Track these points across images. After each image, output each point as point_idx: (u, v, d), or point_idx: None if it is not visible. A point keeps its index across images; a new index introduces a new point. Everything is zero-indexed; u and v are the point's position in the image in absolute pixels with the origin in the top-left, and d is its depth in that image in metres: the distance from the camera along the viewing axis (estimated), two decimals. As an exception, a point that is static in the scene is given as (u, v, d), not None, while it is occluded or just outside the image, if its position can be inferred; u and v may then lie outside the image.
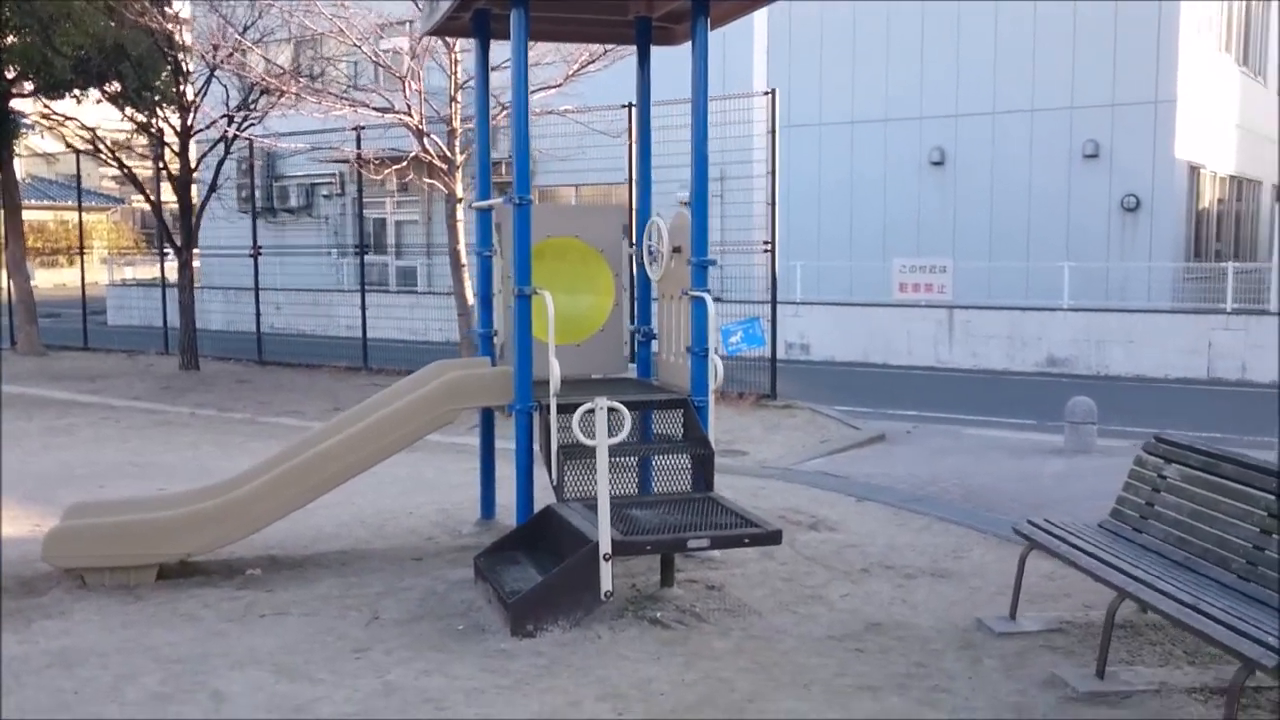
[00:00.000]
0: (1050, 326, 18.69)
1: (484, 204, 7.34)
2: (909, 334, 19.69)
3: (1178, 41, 20.16)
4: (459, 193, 13.41)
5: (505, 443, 7.81)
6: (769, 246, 13.28)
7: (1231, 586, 4.72)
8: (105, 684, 4.88)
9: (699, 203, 6.68)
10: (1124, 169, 20.65)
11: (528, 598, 5.31)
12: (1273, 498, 4.77)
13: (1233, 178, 24.40)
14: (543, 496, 6.57)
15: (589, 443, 5.37)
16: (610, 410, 5.41)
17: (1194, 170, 21.55)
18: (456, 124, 13.33)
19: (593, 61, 13.36)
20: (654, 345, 7.64)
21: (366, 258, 31.68)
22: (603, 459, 5.37)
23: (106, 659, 5.17)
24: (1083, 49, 20.76)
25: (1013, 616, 5.62)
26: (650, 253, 7.38)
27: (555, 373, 6.13)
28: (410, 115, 13.07)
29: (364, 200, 30.26)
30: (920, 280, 19.56)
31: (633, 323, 7.71)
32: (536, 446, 6.60)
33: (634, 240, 7.68)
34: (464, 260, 13.56)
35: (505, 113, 13.15)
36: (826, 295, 21.70)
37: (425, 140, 13.27)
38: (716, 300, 6.61)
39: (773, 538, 5.68)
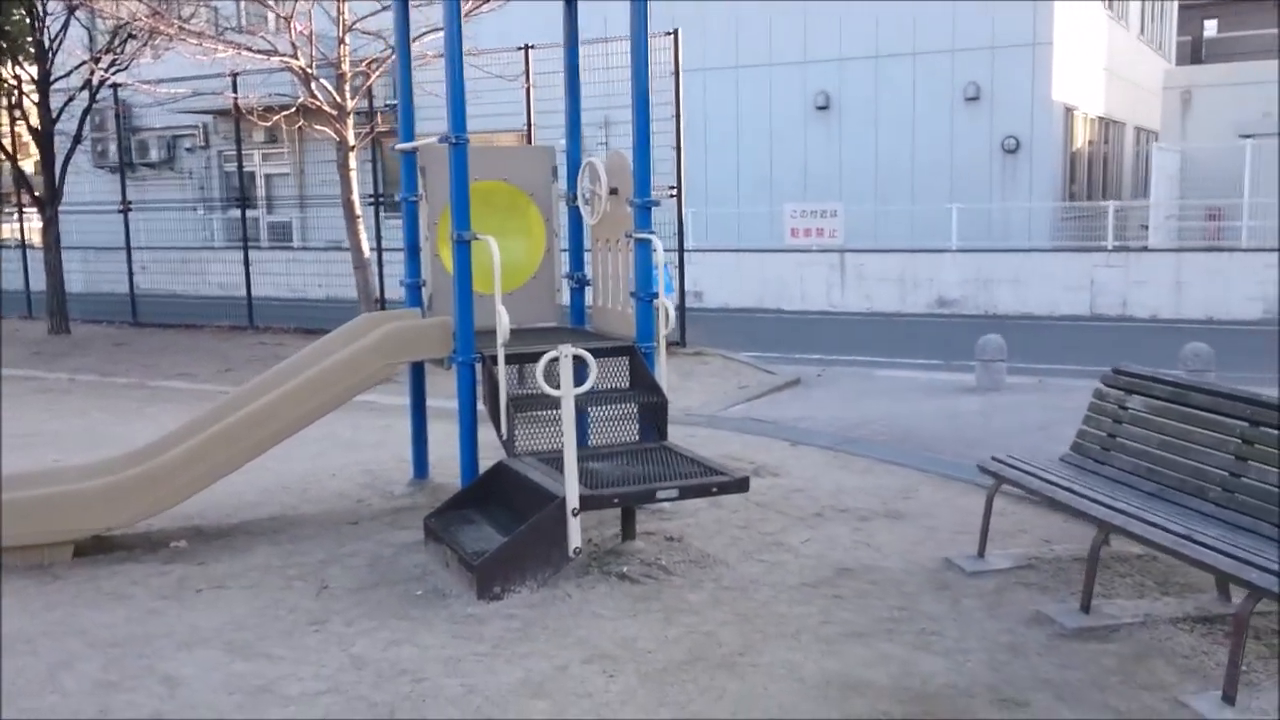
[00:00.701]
0: (940, 268, 18.97)
1: (408, 146, 6.93)
2: (802, 279, 19.76)
3: (1054, -16, 20.53)
4: (351, 140, 12.81)
5: (433, 399, 7.52)
6: (675, 192, 13.05)
7: (1211, 515, 4.72)
8: (39, 673, 4.45)
9: (641, 142, 6.42)
10: (1004, 111, 21.02)
11: (494, 558, 5.04)
12: (1246, 424, 4.78)
13: (1101, 119, 25.09)
14: (487, 454, 6.28)
15: (554, 393, 5.10)
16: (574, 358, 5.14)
17: (1068, 112, 22.07)
18: (345, 68, 12.70)
19: (486, 1, 12.87)
20: (588, 292, 7.39)
21: (236, 213, 30.64)
22: (569, 410, 5.10)
23: (34, 645, 4.73)
24: (963, -8, 21.00)
25: (981, 555, 5.58)
26: (584, 196, 7.09)
27: (504, 322, 5.82)
28: (296, 59, 12.39)
29: (232, 153, 29.12)
30: (811, 225, 19.61)
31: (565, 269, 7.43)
32: (480, 401, 6.30)
33: (566, 183, 7.37)
34: (358, 211, 13.00)
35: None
36: (716, 242, 21.64)
37: (313, 85, 12.62)
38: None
39: (740, 485, 5.50)
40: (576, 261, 7.42)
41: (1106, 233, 18.41)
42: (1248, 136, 18.51)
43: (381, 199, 15.69)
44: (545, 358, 5.07)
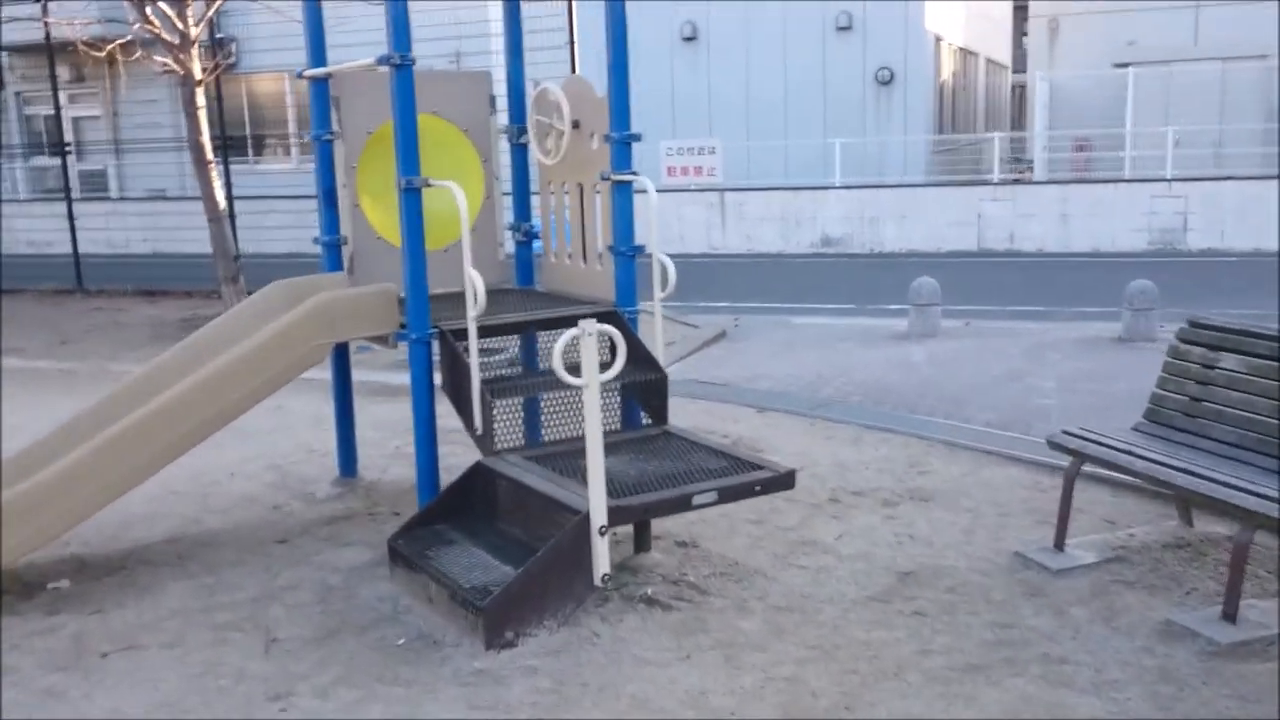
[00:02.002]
0: (823, 206, 18.32)
1: (319, 72, 5.61)
2: (680, 219, 18.82)
3: (925, -91, 19.94)
4: (197, 73, 11.13)
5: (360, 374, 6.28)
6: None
7: (1370, 498, 3.98)
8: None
9: (618, 62, 5.30)
10: (877, 41, 20.42)
11: (506, 597, 3.93)
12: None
13: (961, 50, 24.84)
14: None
15: (574, 381, 3.99)
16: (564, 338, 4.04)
17: (938, 42, 21.65)
18: (187, -13, 10.99)
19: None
20: (537, 247, 6.25)
21: (39, 160, 27.74)
22: (593, 402, 4.00)
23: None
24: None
25: (1060, 547, 4.75)
26: (535, 131, 5.92)
27: (479, 287, 4.65)
28: (129, -23, 10.64)
29: (34, 94, 26.26)
30: (689, 163, 18.64)
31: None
32: (439, 384, 5.12)
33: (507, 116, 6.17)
34: (210, 156, 11.37)
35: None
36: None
37: (149, 9, 10.88)
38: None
39: (787, 481, 4.52)
40: (522, 210, 6.25)
41: (992, 166, 18.04)
42: (1123, 65, 18.35)
43: (230, 143, 13.97)
44: (567, 335, 3.95)
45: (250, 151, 24.24)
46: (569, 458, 4.71)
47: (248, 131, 24.26)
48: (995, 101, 30.75)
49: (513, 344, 6.07)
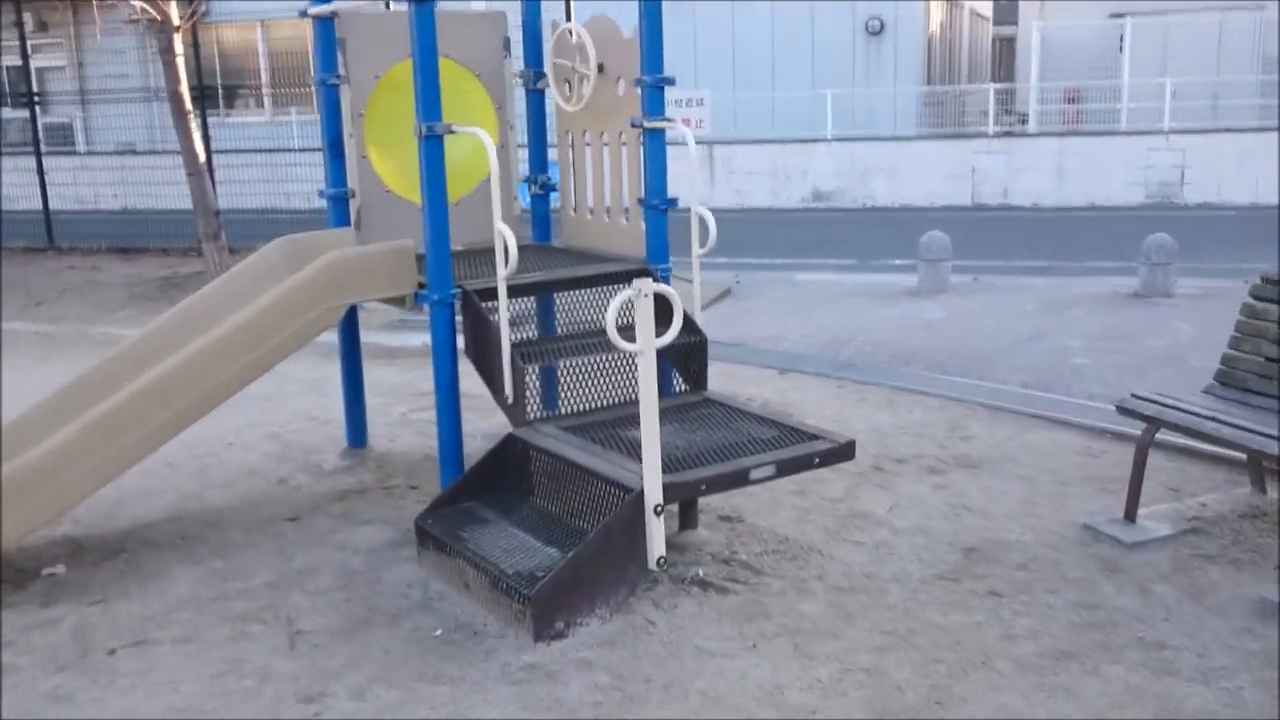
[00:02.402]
0: (813, 159, 17.93)
1: (324, 9, 5.17)
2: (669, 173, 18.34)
3: None
4: (174, 18, 10.58)
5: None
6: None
7: None
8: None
9: (651, 4, 4.89)
10: (866, -10, 19.97)
11: (557, 584, 3.58)
12: None
13: (948, 1, 24.41)
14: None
15: (629, 347, 3.63)
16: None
17: (927, -9, 21.23)
18: (161, -73, 10.42)
19: None
20: (554, 200, 5.87)
21: (2, 113, 26.83)
22: (648, 370, 3.65)
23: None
24: None
25: (1131, 519, 4.46)
26: (555, 75, 5.52)
27: (511, 244, 4.27)
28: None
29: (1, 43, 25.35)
30: (677, 115, 18.12)
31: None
32: (463, 349, 4.75)
33: (522, 59, 5.76)
34: (188, 106, 10.84)
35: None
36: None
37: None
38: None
39: (847, 452, 4.20)
40: (538, 161, 5.86)
41: (985, 118, 17.68)
42: (1119, 16, 18.00)
43: (207, 91, 13.42)
44: (620, 298, 3.58)
45: (221, 104, 23.53)
46: (607, 428, 4.37)
47: (219, 82, 23.54)
48: (977, 55, 30.38)
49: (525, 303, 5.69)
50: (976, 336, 8.02)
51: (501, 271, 4.35)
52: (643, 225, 5.15)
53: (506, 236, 4.27)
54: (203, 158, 11.05)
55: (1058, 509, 4.72)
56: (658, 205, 5.01)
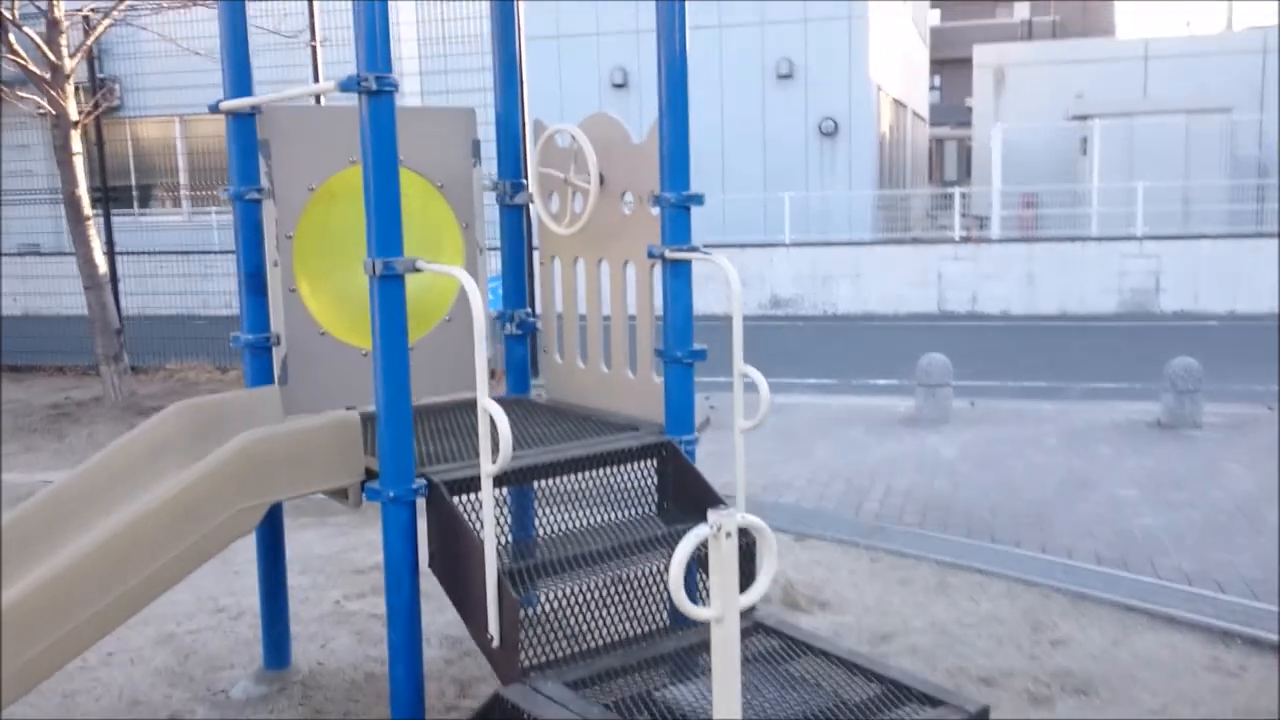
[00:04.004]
0: (771, 264, 17.01)
1: (240, 103, 3.96)
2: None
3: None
4: (73, 114, 9.31)
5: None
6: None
7: None
8: None
9: (675, 106, 3.80)
10: (819, 90, 19.32)
11: None
12: None
13: (895, 101, 23.99)
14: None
15: (701, 614, 2.38)
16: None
17: (878, 92, 20.68)
18: (60, 12, 9.20)
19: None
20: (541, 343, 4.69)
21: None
22: (729, 645, 2.41)
23: None
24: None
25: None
26: (541, 188, 4.37)
27: (503, 429, 3.03)
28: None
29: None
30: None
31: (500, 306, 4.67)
32: (425, 561, 3.48)
33: (496, 167, 4.62)
34: (87, 211, 9.52)
35: None
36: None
37: (13, 36, 9.06)
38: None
39: (980, 724, 2.98)
40: (515, 293, 4.67)
41: (953, 223, 16.95)
42: (1083, 117, 17.48)
43: (112, 194, 12.10)
44: (690, 540, 2.34)
45: (136, 203, 22.11)
46: (633, 682, 3.12)
47: (133, 180, 22.14)
48: (919, 156, 30.15)
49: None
50: (1010, 484, 6.92)
51: (488, 466, 3.11)
52: (658, 381, 3.98)
53: (495, 417, 3.04)
54: (104, 268, 9.71)
55: (1224, 765, 3.54)
56: (682, 358, 3.84)
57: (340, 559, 5.77)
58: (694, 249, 3.81)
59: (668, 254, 3.78)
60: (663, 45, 3.78)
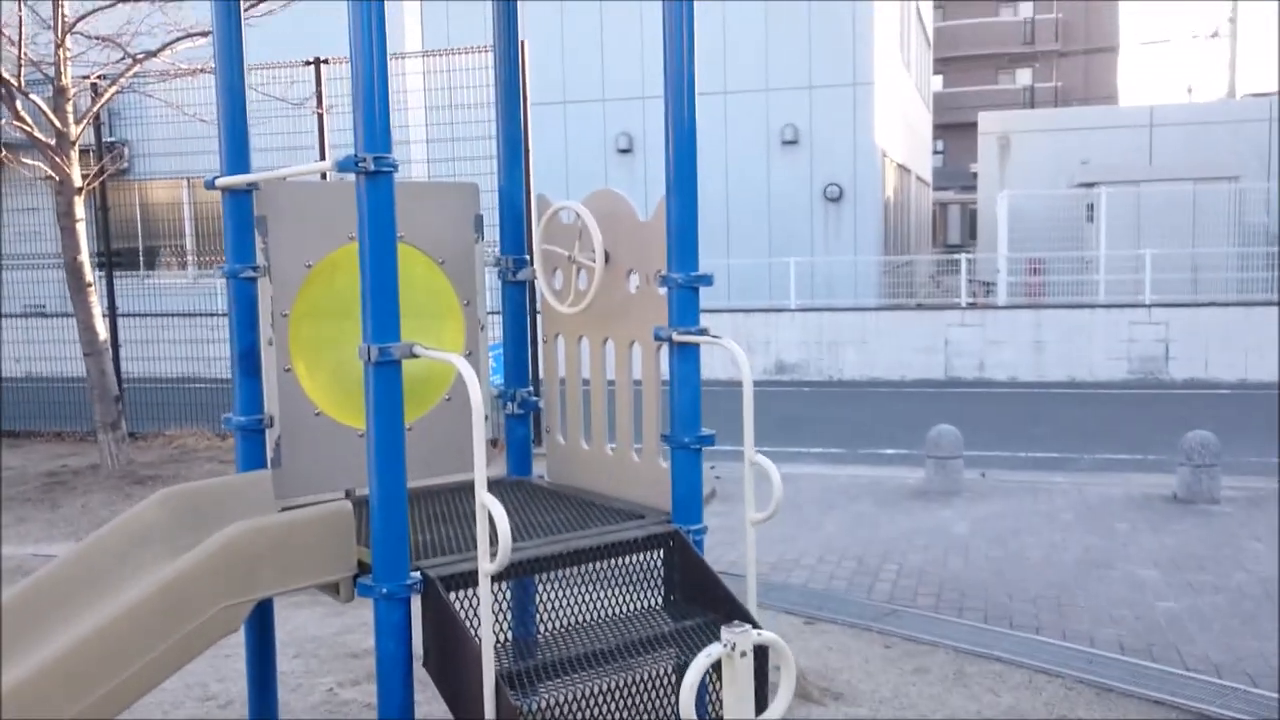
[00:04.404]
0: (777, 329, 16.90)
1: (236, 180, 3.85)
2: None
3: (873, 20, 19.07)
4: (77, 179, 9.26)
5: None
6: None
7: None
8: None
9: (683, 184, 3.71)
10: (824, 156, 19.34)
11: None
12: None
13: (900, 166, 24.04)
14: None
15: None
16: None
17: (883, 157, 20.71)
18: (67, 80, 9.19)
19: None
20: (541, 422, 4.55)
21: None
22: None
23: None
24: (776, 27, 19.21)
25: None
26: (543, 265, 4.26)
27: (502, 527, 2.88)
28: (-6, 64, 8.80)
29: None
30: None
31: (500, 383, 4.53)
32: (419, 657, 3.31)
33: (499, 243, 4.51)
34: (89, 277, 9.44)
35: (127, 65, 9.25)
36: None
37: (20, 103, 9.04)
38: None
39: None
40: (517, 372, 4.53)
41: (960, 288, 16.85)
42: (1089, 184, 17.46)
43: (119, 257, 12.05)
44: (702, 661, 2.18)
45: (142, 265, 22.12)
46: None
47: (140, 243, 22.17)
48: (922, 219, 30.19)
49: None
50: (1025, 562, 6.73)
51: (486, 565, 2.95)
52: (665, 465, 3.83)
53: (495, 514, 2.89)
54: (104, 335, 9.60)
55: None
56: (689, 443, 3.70)
57: (334, 642, 5.59)
58: (702, 331, 3.67)
59: (675, 337, 3.65)
60: (671, 121, 3.71)
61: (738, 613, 3.43)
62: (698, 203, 3.74)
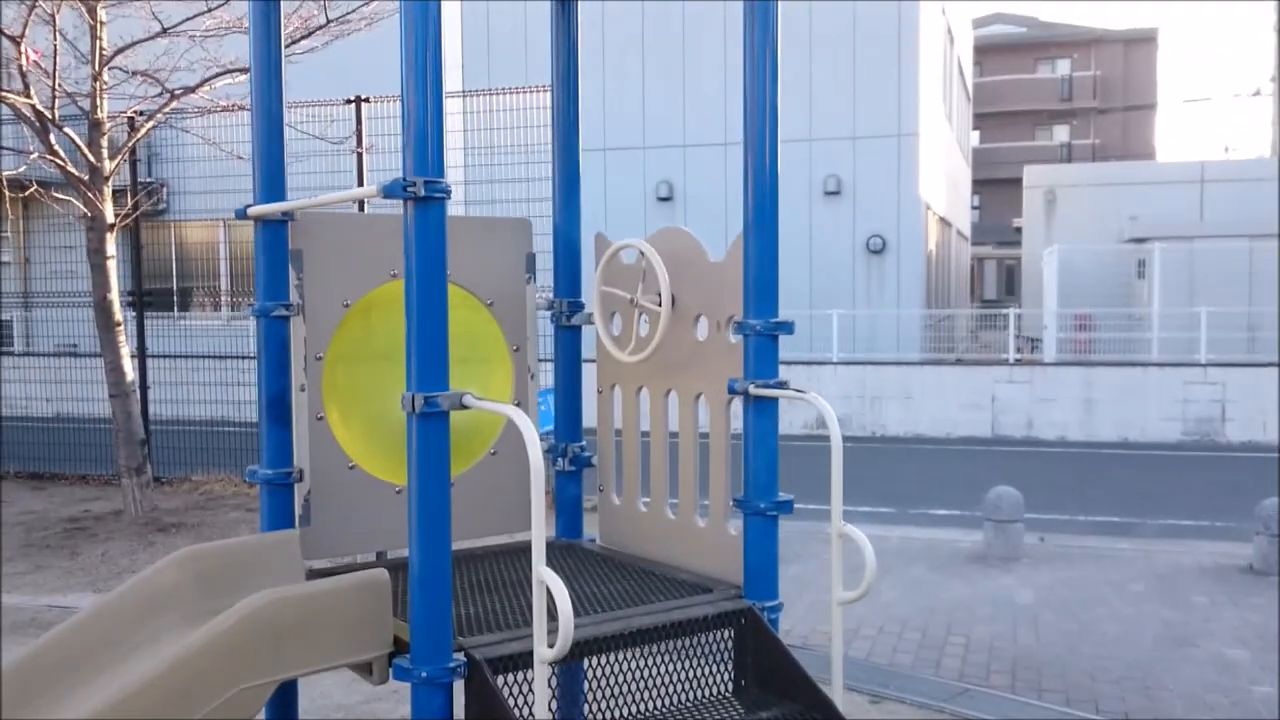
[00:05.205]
0: (818, 383, 16.48)
1: (270, 209, 3.53)
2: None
3: (918, 71, 18.80)
4: (109, 216, 9.04)
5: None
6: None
7: None
8: None
9: (763, 223, 3.37)
10: (867, 207, 19.00)
11: None
12: None
13: (941, 219, 23.68)
14: None
15: None
16: None
17: (927, 210, 20.36)
18: (103, 113, 9.00)
19: (306, 37, 9.50)
20: (595, 480, 4.17)
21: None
22: None
23: None
24: (820, 76, 18.97)
25: None
26: (603, 309, 3.91)
27: (562, 602, 2.50)
28: (29, 97, 8.61)
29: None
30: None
31: (552, 437, 4.16)
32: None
33: (553, 285, 4.17)
34: (117, 316, 9.19)
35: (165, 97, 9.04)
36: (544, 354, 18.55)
37: (53, 137, 8.85)
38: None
39: None
40: (569, 424, 4.16)
41: (1008, 344, 16.41)
42: (1139, 240, 17.03)
43: (152, 297, 11.84)
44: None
45: (176, 305, 22.02)
46: None
47: (174, 284, 22.09)
48: (961, 274, 29.79)
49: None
50: (1099, 637, 6.27)
51: (544, 651, 2.57)
52: (735, 533, 3.45)
53: (555, 592, 2.52)
54: (131, 375, 9.33)
55: None
56: (765, 509, 3.32)
57: (362, 710, 5.20)
58: (783, 384, 3.31)
59: (753, 390, 3.28)
60: (751, 157, 3.39)
61: (819, 705, 3.03)
62: (778, 243, 3.37)
